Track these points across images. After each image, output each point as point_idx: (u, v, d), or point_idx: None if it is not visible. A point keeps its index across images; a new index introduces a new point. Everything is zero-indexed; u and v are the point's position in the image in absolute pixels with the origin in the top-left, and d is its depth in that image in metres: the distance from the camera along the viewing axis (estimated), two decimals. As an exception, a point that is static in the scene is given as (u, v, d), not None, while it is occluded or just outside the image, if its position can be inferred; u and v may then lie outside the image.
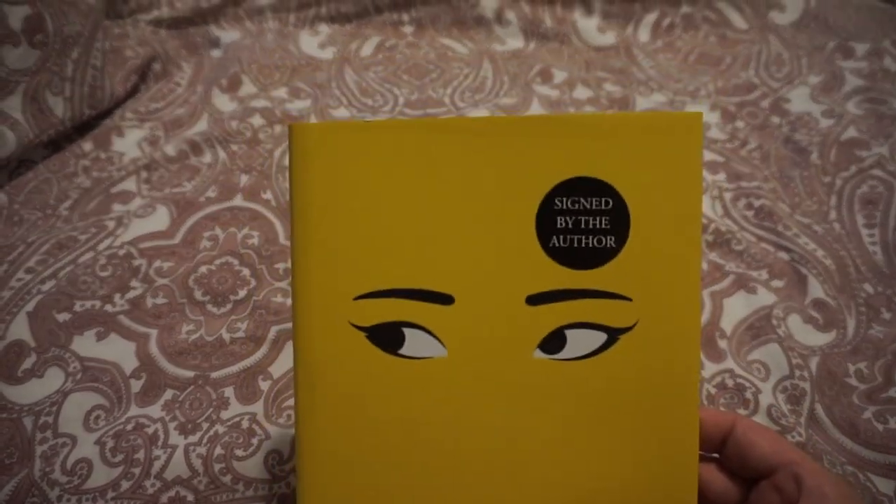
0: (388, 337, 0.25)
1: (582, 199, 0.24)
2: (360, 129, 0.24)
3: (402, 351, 0.25)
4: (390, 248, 0.24)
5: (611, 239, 0.24)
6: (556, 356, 0.25)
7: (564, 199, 0.24)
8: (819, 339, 0.41)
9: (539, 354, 0.25)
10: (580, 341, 0.24)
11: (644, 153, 0.24)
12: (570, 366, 0.25)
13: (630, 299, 0.24)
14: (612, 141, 0.24)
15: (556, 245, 0.24)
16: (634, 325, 0.24)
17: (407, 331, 0.25)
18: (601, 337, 0.24)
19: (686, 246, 0.24)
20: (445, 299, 0.25)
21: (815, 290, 0.43)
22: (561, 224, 0.24)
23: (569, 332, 0.24)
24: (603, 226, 0.24)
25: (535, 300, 0.24)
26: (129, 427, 0.37)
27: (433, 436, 0.25)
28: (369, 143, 0.24)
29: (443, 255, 0.24)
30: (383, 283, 0.24)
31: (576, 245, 0.24)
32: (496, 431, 0.25)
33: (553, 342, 0.25)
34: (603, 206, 0.24)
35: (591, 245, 0.24)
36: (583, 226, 0.24)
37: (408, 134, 0.24)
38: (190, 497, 0.35)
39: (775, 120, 0.56)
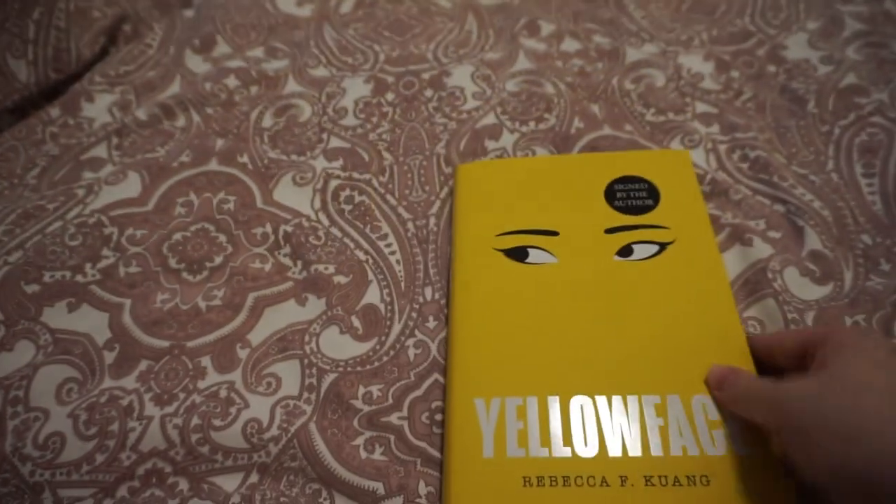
0: (518, 254, 0.40)
1: (629, 184, 0.43)
2: (497, 167, 0.46)
3: (528, 261, 0.40)
4: (520, 207, 0.42)
5: (649, 200, 0.42)
6: (627, 258, 0.39)
7: (618, 185, 0.43)
8: (816, 292, 0.39)
9: (616, 258, 0.39)
10: (642, 251, 0.40)
11: (659, 163, 0.45)
12: (637, 265, 0.39)
13: (668, 227, 0.41)
14: (641, 157, 0.45)
15: (618, 204, 0.42)
16: (674, 241, 0.40)
17: (530, 250, 0.40)
18: (654, 248, 0.40)
19: (694, 201, 0.42)
20: (554, 234, 0.41)
21: (812, 241, 0.41)
22: (619, 195, 0.42)
23: (634, 246, 0.40)
24: (643, 194, 0.42)
25: (610, 231, 0.41)
26: (103, 399, 0.36)
27: (549, 312, 0.37)
28: (501, 170, 0.45)
29: (552, 211, 0.42)
30: (516, 226, 0.41)
31: (629, 204, 0.42)
32: (591, 309, 0.37)
33: (625, 251, 0.40)
34: (640, 186, 0.43)
35: (637, 204, 0.42)
36: (632, 195, 0.42)
37: (527, 164, 0.46)
38: (167, 468, 0.34)
39: (771, 69, 0.53)
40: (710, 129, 0.49)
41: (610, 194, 0.42)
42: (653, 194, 0.42)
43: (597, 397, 0.33)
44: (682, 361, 0.34)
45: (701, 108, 0.51)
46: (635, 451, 0.31)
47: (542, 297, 0.38)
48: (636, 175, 0.43)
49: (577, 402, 0.33)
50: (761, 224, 0.42)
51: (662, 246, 0.39)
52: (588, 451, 0.32)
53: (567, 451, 0.32)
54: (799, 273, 0.40)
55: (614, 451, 0.32)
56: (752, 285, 0.40)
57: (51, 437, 0.34)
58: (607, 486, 0.30)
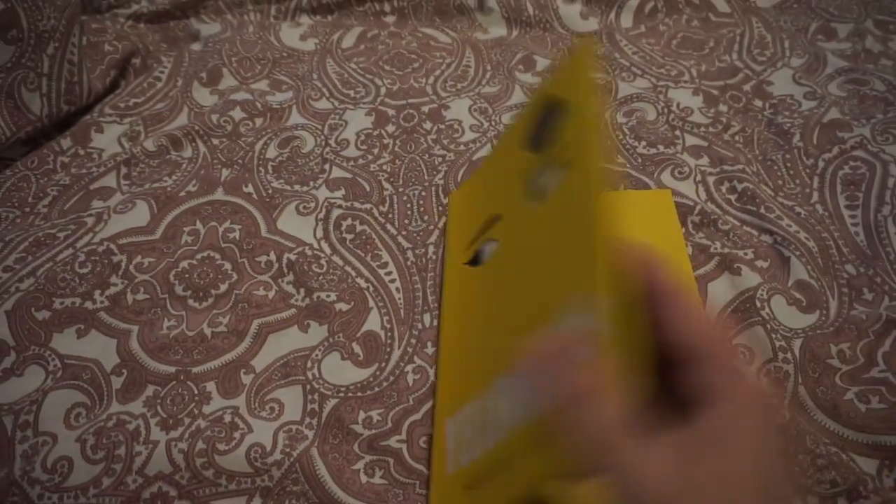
0: (475, 259, 0.39)
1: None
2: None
3: (482, 261, 0.38)
4: (477, 212, 0.40)
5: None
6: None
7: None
8: (802, 320, 0.41)
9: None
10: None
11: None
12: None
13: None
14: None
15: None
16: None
17: (484, 247, 0.38)
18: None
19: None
20: (497, 218, 0.36)
21: (798, 271, 0.43)
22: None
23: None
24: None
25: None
26: (111, 424, 0.37)
27: (480, 313, 0.35)
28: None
29: (498, 196, 0.38)
30: (473, 232, 0.39)
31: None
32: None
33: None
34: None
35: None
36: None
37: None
38: (172, 492, 0.35)
39: (758, 103, 0.55)
40: (700, 161, 0.51)
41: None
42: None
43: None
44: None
45: (690, 140, 0.52)
46: None
47: (483, 298, 0.35)
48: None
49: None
50: (749, 254, 0.44)
51: None
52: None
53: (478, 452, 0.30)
54: (786, 302, 0.42)
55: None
56: (741, 313, 0.41)
57: (59, 460, 0.35)
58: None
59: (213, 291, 0.43)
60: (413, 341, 0.41)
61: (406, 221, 0.48)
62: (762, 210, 0.46)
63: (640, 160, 0.51)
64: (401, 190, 0.50)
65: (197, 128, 0.54)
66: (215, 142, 0.54)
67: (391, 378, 0.39)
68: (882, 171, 0.47)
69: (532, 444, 0.25)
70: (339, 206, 0.48)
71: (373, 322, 0.42)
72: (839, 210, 0.46)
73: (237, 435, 0.37)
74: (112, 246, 0.45)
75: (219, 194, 0.49)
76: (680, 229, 0.44)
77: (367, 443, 0.37)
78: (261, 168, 0.52)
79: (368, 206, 0.48)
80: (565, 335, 0.24)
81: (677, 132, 0.53)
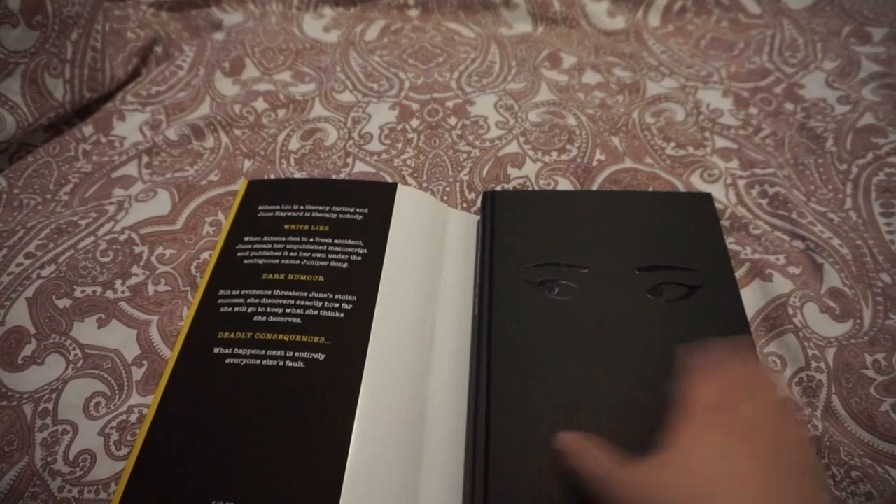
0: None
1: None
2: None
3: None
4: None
5: None
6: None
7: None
8: (835, 329, 0.40)
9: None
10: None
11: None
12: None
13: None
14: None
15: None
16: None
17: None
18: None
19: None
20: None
21: (832, 278, 0.42)
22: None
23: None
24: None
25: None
26: (133, 418, 0.36)
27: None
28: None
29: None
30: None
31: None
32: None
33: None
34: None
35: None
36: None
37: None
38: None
39: (789, 106, 0.54)
40: (730, 164, 0.50)
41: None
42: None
43: None
44: None
45: (720, 142, 0.52)
46: None
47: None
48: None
49: None
50: (781, 259, 0.43)
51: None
52: None
53: None
54: (819, 310, 0.41)
55: None
56: (773, 321, 0.40)
57: (81, 454, 0.35)
58: None
59: (234, 284, 0.43)
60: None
61: (430, 218, 0.47)
62: (794, 215, 0.45)
63: (668, 161, 0.50)
64: (425, 185, 0.49)
65: (219, 118, 0.54)
66: (237, 132, 0.54)
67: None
68: (918, 179, 0.46)
69: None
70: (363, 201, 0.48)
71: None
72: (874, 217, 0.45)
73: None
74: (133, 235, 0.45)
75: (240, 184, 0.49)
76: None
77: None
78: (283, 160, 0.51)
79: (392, 201, 0.48)
80: None
81: (706, 134, 0.52)
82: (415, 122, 0.54)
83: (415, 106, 0.56)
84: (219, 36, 0.63)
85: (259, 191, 0.47)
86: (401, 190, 0.46)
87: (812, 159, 0.50)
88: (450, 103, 0.56)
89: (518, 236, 0.42)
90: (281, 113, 0.55)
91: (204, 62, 0.60)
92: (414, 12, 0.66)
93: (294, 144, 0.53)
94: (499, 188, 0.48)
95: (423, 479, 0.34)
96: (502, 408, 0.34)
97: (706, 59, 0.60)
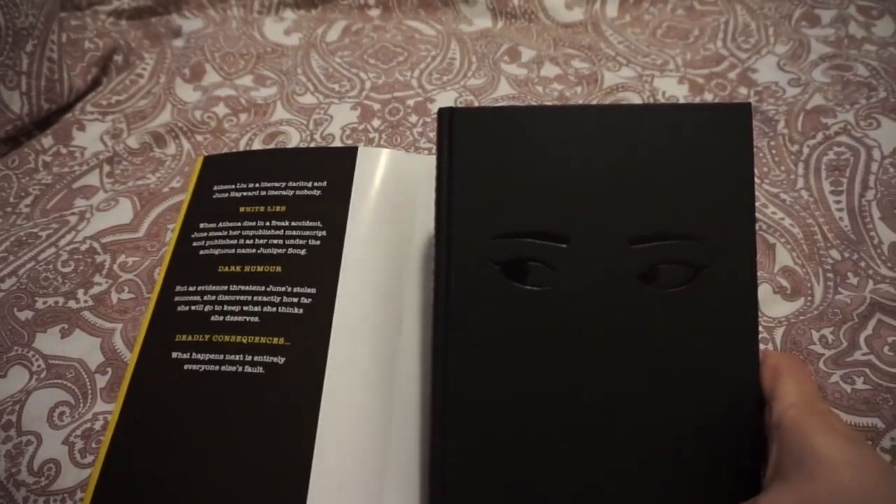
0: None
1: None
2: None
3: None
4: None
5: None
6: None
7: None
8: (785, 308, 0.41)
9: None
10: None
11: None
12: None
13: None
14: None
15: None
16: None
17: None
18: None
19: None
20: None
21: (784, 258, 0.43)
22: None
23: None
24: None
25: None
26: (97, 426, 0.37)
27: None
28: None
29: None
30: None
31: None
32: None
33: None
34: None
35: None
36: None
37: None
38: (159, 490, 0.35)
39: (743, 91, 0.55)
40: (685, 150, 0.51)
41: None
42: None
43: None
44: None
45: (676, 129, 0.52)
46: None
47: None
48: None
49: None
50: (734, 241, 0.44)
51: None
52: None
53: None
54: (772, 290, 0.42)
55: None
56: (727, 301, 0.41)
57: (46, 463, 0.35)
58: None
59: (198, 288, 0.43)
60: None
61: (392, 215, 0.47)
62: (747, 197, 0.46)
63: (625, 150, 0.51)
64: (386, 183, 0.50)
65: (180, 124, 0.54)
66: (199, 138, 0.54)
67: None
68: (866, 156, 0.48)
69: None
70: (325, 201, 0.48)
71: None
72: (824, 195, 0.46)
73: (224, 431, 0.36)
74: (95, 244, 0.45)
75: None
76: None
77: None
78: (245, 164, 0.52)
79: (354, 200, 0.48)
80: None
81: (663, 121, 0.53)
82: (376, 122, 0.55)
83: (376, 106, 0.56)
84: (179, 43, 0.63)
85: (214, 168, 0.45)
86: (362, 153, 0.42)
87: (765, 142, 0.51)
88: (410, 102, 0.56)
89: (482, 187, 0.31)
90: (243, 117, 0.56)
91: (164, 69, 0.60)
92: (374, 12, 0.66)
93: (256, 148, 0.53)
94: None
95: (387, 490, 0.33)
96: (459, 436, 0.30)
97: (662, 48, 0.61)
